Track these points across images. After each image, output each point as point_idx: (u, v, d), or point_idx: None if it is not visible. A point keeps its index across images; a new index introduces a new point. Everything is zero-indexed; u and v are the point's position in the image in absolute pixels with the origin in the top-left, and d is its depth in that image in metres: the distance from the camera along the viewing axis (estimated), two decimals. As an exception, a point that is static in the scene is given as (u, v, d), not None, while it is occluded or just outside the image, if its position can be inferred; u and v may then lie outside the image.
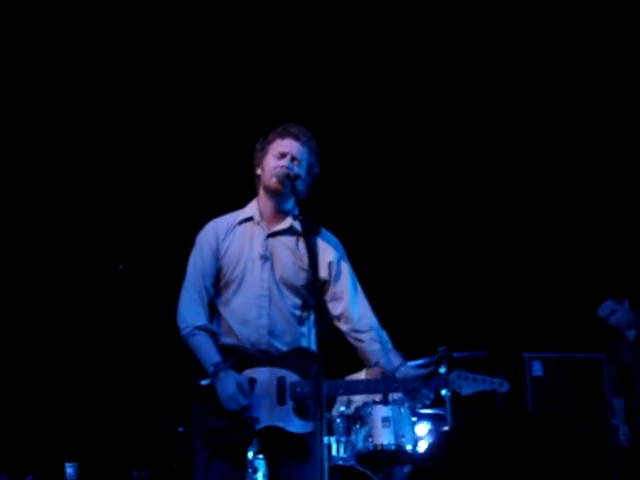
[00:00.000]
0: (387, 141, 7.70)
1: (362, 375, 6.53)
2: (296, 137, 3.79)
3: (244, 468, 3.74)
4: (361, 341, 3.75)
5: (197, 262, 3.78)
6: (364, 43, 7.25)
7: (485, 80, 7.48)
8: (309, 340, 3.71)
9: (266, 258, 3.74)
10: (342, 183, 7.03)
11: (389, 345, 3.76)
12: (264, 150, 3.83)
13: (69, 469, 5.78)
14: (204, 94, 7.25)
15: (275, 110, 6.62)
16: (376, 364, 3.73)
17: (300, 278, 3.73)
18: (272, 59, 7.17)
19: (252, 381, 3.57)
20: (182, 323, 3.71)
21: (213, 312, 3.77)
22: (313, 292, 3.44)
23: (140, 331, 7.05)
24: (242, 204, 3.94)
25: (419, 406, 3.37)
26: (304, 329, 3.73)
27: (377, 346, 3.72)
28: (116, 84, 7.17)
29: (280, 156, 3.76)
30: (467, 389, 3.54)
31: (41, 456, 6.43)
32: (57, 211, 7.34)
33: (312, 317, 3.67)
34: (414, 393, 3.55)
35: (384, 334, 3.78)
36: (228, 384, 3.51)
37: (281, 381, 3.56)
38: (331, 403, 6.44)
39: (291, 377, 3.57)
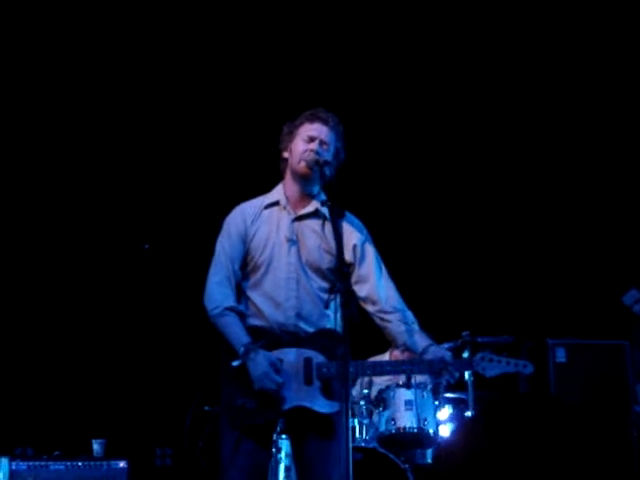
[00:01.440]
0: (412, 124, 7.69)
1: (386, 356, 6.59)
2: (325, 121, 3.83)
3: (270, 447, 3.80)
4: (388, 321, 3.78)
5: (225, 246, 3.83)
6: (385, 32, 7.26)
7: (508, 63, 7.47)
8: (335, 322, 3.75)
9: (293, 242, 3.79)
10: (366, 167, 7.03)
11: (416, 326, 3.79)
12: (292, 134, 3.86)
13: (96, 445, 5.85)
14: (232, 77, 7.27)
15: (299, 95, 6.63)
16: (404, 344, 3.76)
17: (325, 261, 3.78)
18: (297, 44, 7.18)
19: (279, 362, 3.62)
20: (211, 304, 3.75)
21: (240, 295, 3.81)
22: (340, 276, 3.47)
23: (166, 310, 7.11)
24: (268, 186, 3.98)
25: (444, 382, 3.42)
26: (330, 311, 3.78)
27: (404, 327, 3.76)
28: (143, 68, 7.21)
29: (309, 140, 3.79)
30: (491, 371, 3.58)
31: (69, 433, 6.52)
32: (84, 190, 7.40)
33: (338, 300, 3.70)
34: (440, 372, 3.59)
35: (410, 315, 3.82)
36: (260, 363, 3.56)
37: (308, 362, 3.61)
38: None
39: (318, 358, 3.62)
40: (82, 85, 7.13)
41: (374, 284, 3.81)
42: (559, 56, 7.35)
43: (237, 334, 3.65)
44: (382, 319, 3.80)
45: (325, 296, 3.77)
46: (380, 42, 7.25)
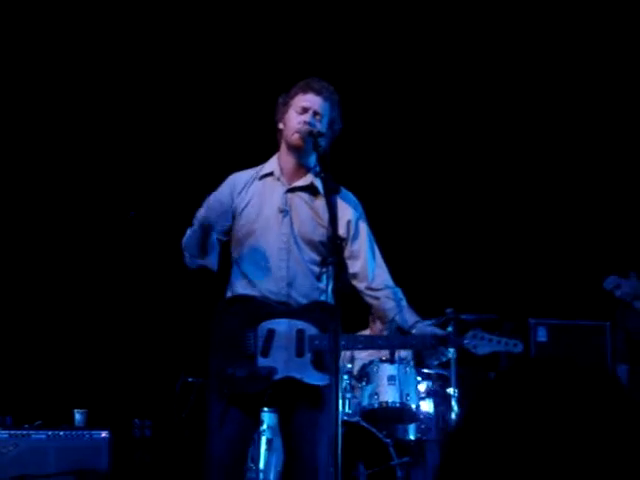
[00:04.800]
0: (403, 103, 7.67)
1: (367, 333, 6.59)
2: (318, 92, 3.79)
3: (257, 419, 3.79)
4: (376, 298, 3.80)
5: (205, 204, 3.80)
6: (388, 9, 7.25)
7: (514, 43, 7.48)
8: (327, 295, 3.74)
9: (285, 212, 3.77)
10: (356, 143, 7.00)
11: (404, 302, 3.80)
12: (286, 105, 3.83)
13: (78, 415, 5.84)
14: (228, 46, 7.21)
15: (297, 64, 6.58)
16: (392, 321, 3.77)
17: (318, 234, 3.76)
18: (295, 12, 7.13)
19: (271, 332, 3.62)
20: (182, 244, 3.80)
21: (231, 265, 3.82)
22: (333, 249, 3.47)
23: (150, 279, 7.06)
24: (265, 156, 3.96)
25: (434, 363, 3.44)
26: (322, 284, 3.77)
27: (392, 304, 3.77)
28: (134, 37, 7.13)
29: (302, 111, 3.75)
30: (482, 349, 3.59)
31: (50, 402, 6.48)
32: (69, 156, 7.31)
33: (330, 273, 3.70)
34: (430, 350, 3.61)
35: (399, 291, 3.83)
36: None
37: (300, 333, 3.60)
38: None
39: (310, 330, 3.61)
40: (66, 58, 7.05)
41: (365, 261, 3.81)
42: (559, 56, 7.35)
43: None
44: (371, 296, 3.81)
45: (316, 269, 3.76)
46: (382, 18, 7.22)
